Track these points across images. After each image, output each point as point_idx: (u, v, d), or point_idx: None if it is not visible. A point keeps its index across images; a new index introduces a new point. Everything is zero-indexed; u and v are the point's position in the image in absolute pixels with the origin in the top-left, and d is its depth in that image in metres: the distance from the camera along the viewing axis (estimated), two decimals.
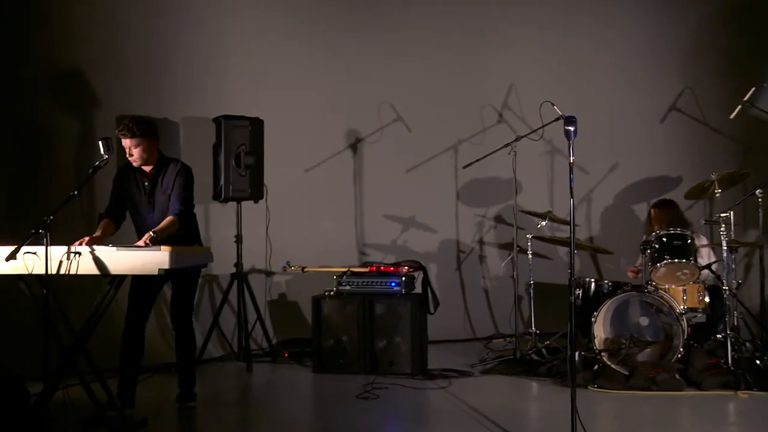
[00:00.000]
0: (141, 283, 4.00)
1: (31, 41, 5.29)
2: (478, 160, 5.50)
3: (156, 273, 3.51)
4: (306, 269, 5.41)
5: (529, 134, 5.37)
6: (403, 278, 5.14)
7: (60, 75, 5.43)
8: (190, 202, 4.18)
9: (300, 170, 6.24)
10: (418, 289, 5.32)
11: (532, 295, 5.51)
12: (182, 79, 5.81)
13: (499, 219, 6.66)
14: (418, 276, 5.35)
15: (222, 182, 5.50)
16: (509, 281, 5.82)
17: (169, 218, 4.05)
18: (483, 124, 6.57)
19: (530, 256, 5.53)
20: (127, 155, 4.08)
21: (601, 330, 4.75)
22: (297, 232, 5.97)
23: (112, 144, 3.92)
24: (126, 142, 4.07)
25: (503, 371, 5.06)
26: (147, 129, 4.12)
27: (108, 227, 4.15)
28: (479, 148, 6.07)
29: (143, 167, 4.14)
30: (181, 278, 3.98)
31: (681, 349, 4.55)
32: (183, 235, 4.10)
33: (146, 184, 4.14)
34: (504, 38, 6.61)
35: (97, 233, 4.05)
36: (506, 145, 5.37)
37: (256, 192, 5.60)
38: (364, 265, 5.46)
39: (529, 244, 5.50)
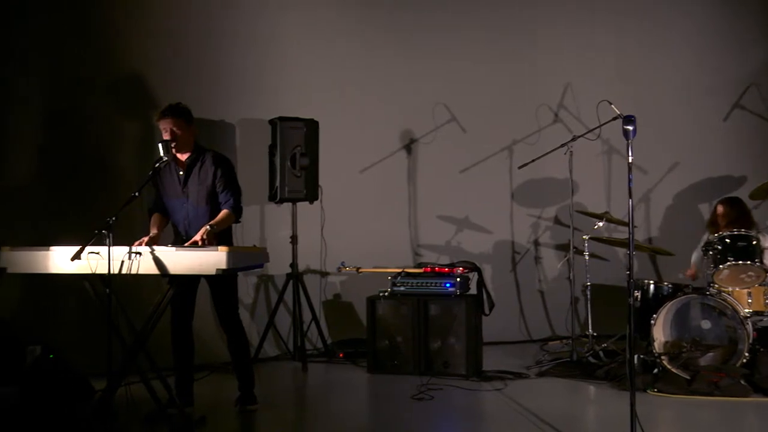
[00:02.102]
0: (179, 281, 3.97)
1: (90, 43, 5.41)
2: (533, 161, 5.43)
3: (213, 273, 3.52)
4: (360, 270, 5.40)
5: (585, 134, 5.27)
6: (458, 279, 5.08)
7: (119, 77, 5.54)
8: (240, 195, 4.13)
9: (354, 171, 6.24)
10: (473, 290, 5.26)
11: (588, 296, 5.38)
12: (238, 81, 5.87)
13: (554, 220, 6.55)
14: (473, 277, 5.29)
15: (277, 183, 5.53)
16: (565, 283, 5.73)
17: (224, 212, 4.01)
18: (538, 124, 6.46)
19: (587, 258, 5.41)
20: (167, 137, 4.00)
21: (660, 333, 4.61)
22: (351, 233, 5.97)
23: (171, 146, 3.96)
24: (166, 123, 4.00)
25: (559, 374, 4.97)
26: (187, 112, 4.08)
27: (160, 222, 4.15)
28: (534, 148, 5.98)
29: (178, 155, 4.08)
30: (215, 277, 3.74)
31: (746, 354, 4.40)
32: (219, 233, 3.98)
33: (181, 173, 4.09)
34: (559, 37, 6.52)
35: (153, 231, 4.06)
36: (562, 145, 5.29)
37: (311, 193, 5.62)
38: (419, 266, 5.42)
39: (585, 245, 5.38)
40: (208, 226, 3.85)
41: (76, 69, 5.37)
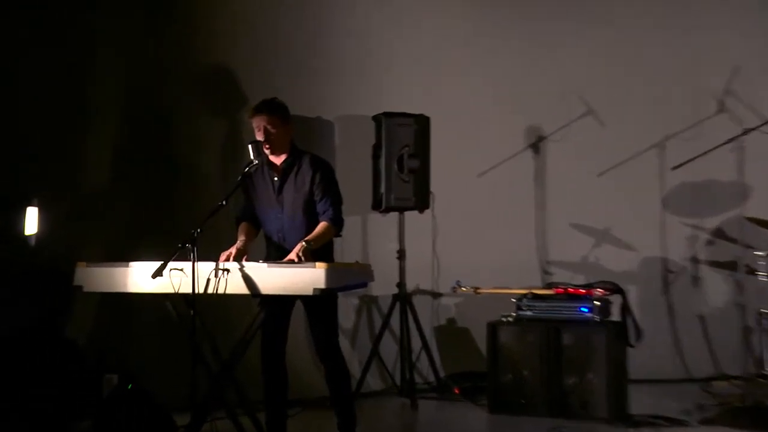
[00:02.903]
0: (271, 302, 3.94)
1: (171, 35, 5.57)
2: (691, 160, 5.31)
3: (310, 293, 3.50)
4: (479, 290, 5.34)
5: (760, 126, 5.07)
6: (597, 303, 4.97)
7: (201, 72, 5.68)
8: (341, 204, 4.13)
9: (471, 175, 6.15)
10: (616, 317, 5.13)
11: (765, 327, 5.07)
12: (336, 74, 5.91)
13: (718, 232, 6.20)
14: (615, 300, 5.16)
15: (383, 189, 5.53)
16: (734, 309, 5.55)
17: (323, 224, 4.01)
18: (697, 116, 6.14)
19: (762, 279, 5.08)
20: (261, 137, 4.04)
21: None
22: (469, 247, 5.91)
23: (264, 148, 3.97)
24: (260, 121, 4.02)
25: (729, 422, 4.71)
26: (283, 108, 4.11)
27: (249, 232, 4.19)
28: (692, 145, 5.71)
29: (272, 158, 4.10)
30: (312, 299, 3.68)
31: None
32: (317, 248, 3.99)
33: (275, 179, 4.11)
34: (723, 10, 6.18)
35: (241, 240, 4.09)
36: (730, 140, 5.09)
37: (422, 200, 5.58)
38: (549, 286, 5.35)
39: (760, 263, 5.07)
40: (303, 243, 3.82)
41: (155, 65, 5.53)
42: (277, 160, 4.12)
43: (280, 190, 4.10)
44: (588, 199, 6.15)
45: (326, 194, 4.05)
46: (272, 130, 4.02)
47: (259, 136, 4.04)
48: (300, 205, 4.07)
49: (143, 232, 5.28)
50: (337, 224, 4.04)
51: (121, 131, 5.52)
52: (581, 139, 6.17)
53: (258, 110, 4.06)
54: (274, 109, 4.05)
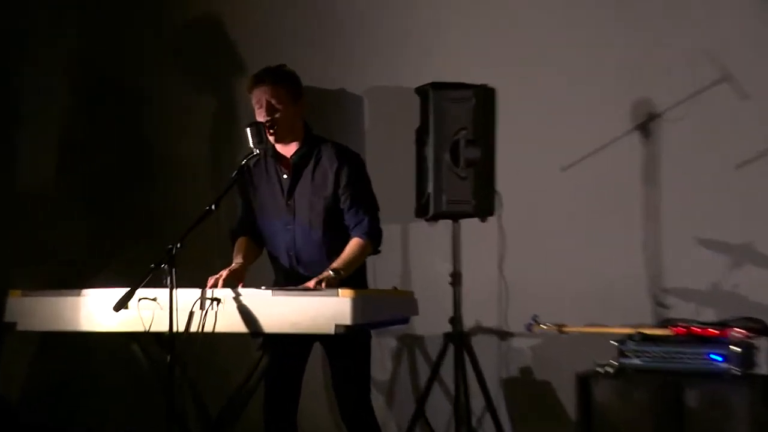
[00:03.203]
0: (277, 344, 3.91)
1: None
2: None
3: (332, 332, 3.49)
4: (565, 329, 5.32)
5: None
6: (735, 348, 4.91)
7: (186, 32, 5.87)
8: (377, 211, 4.18)
9: (553, 168, 6.05)
10: (763, 369, 5.05)
11: None
12: (366, 30, 6.02)
13: None
14: (762, 345, 5.11)
15: (430, 188, 5.54)
16: None
17: (355, 241, 4.04)
18: None
19: None
20: (262, 117, 4.07)
21: None
22: (550, 269, 5.88)
23: (265, 133, 3.96)
24: (263, 94, 4.06)
25: None
26: (293, 78, 4.14)
27: (249, 250, 4.23)
28: None
29: (279, 147, 4.14)
30: (334, 339, 3.66)
31: None
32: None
33: (284, 176, 4.15)
34: None
35: (237, 261, 4.13)
36: None
37: (484, 204, 5.57)
38: (664, 324, 5.30)
39: None
40: (330, 272, 3.85)
41: (116, 21, 5.60)
42: (287, 150, 4.14)
43: (290, 192, 4.12)
44: (721, 201, 5.99)
45: (357, 199, 4.07)
46: (278, 107, 4.04)
47: (261, 116, 4.04)
48: (319, 212, 4.10)
49: (101, 248, 5.32)
50: (374, 239, 4.09)
51: (70, 112, 5.58)
52: (712, 117, 6.02)
53: (259, 80, 4.09)
54: (280, 78, 4.08)
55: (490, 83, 5.62)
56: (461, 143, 5.50)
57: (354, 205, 4.08)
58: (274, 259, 4.26)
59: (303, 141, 4.16)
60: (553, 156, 6.05)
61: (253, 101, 4.10)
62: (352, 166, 4.14)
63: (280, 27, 5.82)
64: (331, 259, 4.03)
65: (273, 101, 4.04)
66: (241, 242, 4.25)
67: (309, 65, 5.74)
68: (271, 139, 4.06)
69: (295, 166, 4.15)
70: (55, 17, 5.59)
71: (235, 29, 5.79)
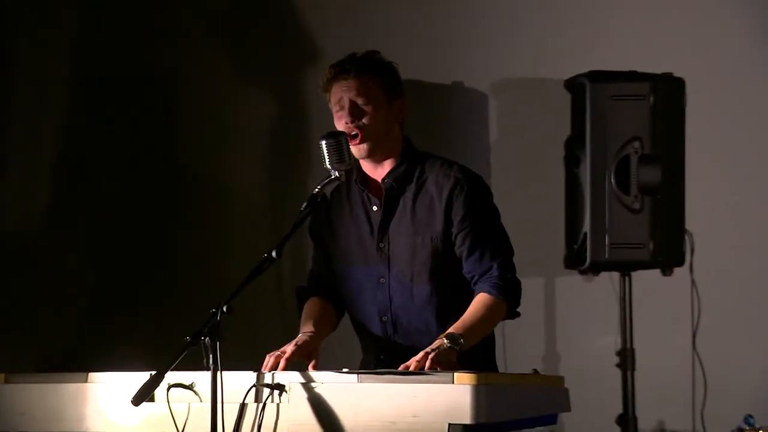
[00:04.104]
0: None
1: None
2: None
3: None
4: None
5: None
6: None
7: (233, 12, 5.93)
8: (512, 255, 4.08)
9: None
10: None
11: None
12: (493, 9, 6.07)
13: None
14: None
15: (587, 227, 5.55)
16: None
17: (483, 298, 3.94)
18: None
19: None
20: (343, 123, 4.04)
21: None
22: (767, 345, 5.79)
23: (347, 148, 3.94)
24: (346, 91, 4.03)
25: None
26: (394, 72, 4.11)
27: (324, 315, 4.18)
28: None
29: (368, 166, 4.12)
30: None
31: None
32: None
33: (374, 208, 4.14)
34: None
35: (307, 332, 4.06)
36: None
37: (668, 249, 5.56)
38: None
39: None
40: (445, 340, 3.77)
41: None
42: (377, 171, 4.10)
43: (383, 230, 4.09)
44: None
45: (482, 238, 3.99)
46: (366, 109, 4.01)
47: (341, 123, 4.02)
48: (425, 260, 4.05)
49: (115, 313, 5.36)
50: (510, 296, 3.99)
51: (71, 119, 5.68)
52: None
53: (340, 72, 4.04)
54: (371, 68, 4.03)
55: (677, 72, 5.60)
56: (633, 160, 5.49)
57: (477, 248, 3.98)
58: (360, 327, 4.18)
59: (401, 157, 4.16)
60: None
61: (332, 102, 4.04)
62: (473, 192, 4.03)
63: (371, 1, 5.85)
64: (444, 327, 3.97)
65: (360, 101, 3.99)
66: (312, 305, 4.18)
67: (411, 51, 5.78)
68: (356, 153, 4.00)
69: (390, 193, 4.11)
70: None
71: (308, 5, 5.84)
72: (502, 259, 4.00)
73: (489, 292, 3.96)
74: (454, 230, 4.02)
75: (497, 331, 4.30)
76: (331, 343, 4.20)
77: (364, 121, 4.00)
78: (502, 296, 3.96)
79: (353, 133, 3.97)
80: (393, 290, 4.07)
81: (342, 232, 4.16)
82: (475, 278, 4.00)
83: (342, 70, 4.05)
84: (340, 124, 4.01)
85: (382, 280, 4.08)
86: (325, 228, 4.19)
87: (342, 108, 4.02)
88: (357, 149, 4.00)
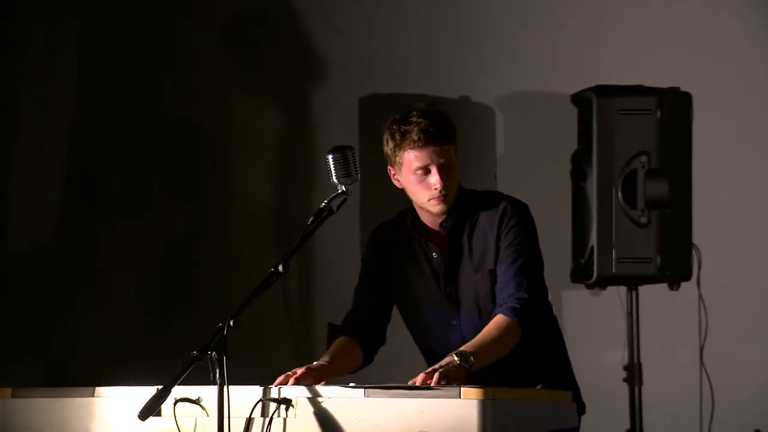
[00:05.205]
0: None
1: None
2: None
3: None
4: None
5: None
6: None
7: (247, 17, 5.92)
8: (540, 279, 4.11)
9: None
10: None
11: None
12: (500, 24, 6.08)
13: None
14: None
15: (593, 241, 5.57)
16: None
17: (499, 319, 3.94)
18: None
19: None
20: (429, 189, 4.05)
21: None
22: None
23: (356, 161, 3.93)
24: (435, 156, 4.05)
25: None
26: (454, 127, 4.13)
27: (349, 353, 4.16)
28: None
29: (426, 214, 4.13)
30: None
31: None
32: (521, 357, 4.00)
33: (435, 255, 4.16)
34: None
35: (324, 360, 4.06)
36: None
37: (675, 264, 5.56)
38: None
39: None
40: (455, 357, 3.75)
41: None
42: (434, 218, 4.15)
43: (450, 276, 4.14)
44: None
45: (519, 262, 4.03)
46: (450, 171, 4.05)
47: (425, 186, 4.04)
48: (487, 292, 4.10)
49: (123, 327, 5.36)
50: (528, 320, 3.96)
51: (78, 130, 5.69)
52: None
53: (431, 136, 4.04)
54: (451, 131, 4.08)
55: (683, 86, 5.60)
56: (640, 175, 5.50)
57: (509, 268, 4.01)
58: (431, 360, 4.19)
59: (455, 203, 4.18)
60: None
61: (412, 164, 4.07)
62: (519, 220, 4.09)
63: (378, 14, 5.85)
64: (513, 356, 4.01)
65: (445, 164, 4.05)
66: (339, 342, 4.12)
67: (418, 66, 5.88)
68: (439, 211, 4.06)
69: (451, 237, 4.18)
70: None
71: (314, 17, 5.85)
72: (535, 282, 4.03)
73: (505, 314, 3.97)
74: (501, 255, 4.07)
75: None
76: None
77: (450, 182, 4.05)
78: (519, 318, 3.97)
79: (443, 194, 4.03)
80: (465, 331, 4.12)
81: (404, 275, 4.19)
82: (502, 299, 4.02)
83: (431, 135, 4.04)
84: (424, 187, 4.03)
85: (453, 322, 4.14)
86: (385, 270, 4.20)
87: (427, 172, 4.04)
88: (441, 208, 4.05)
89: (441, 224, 4.10)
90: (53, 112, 5.88)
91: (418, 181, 4.03)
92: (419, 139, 4.01)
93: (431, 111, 4.08)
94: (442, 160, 4.01)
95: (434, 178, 4.00)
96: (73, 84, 5.93)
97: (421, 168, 4.02)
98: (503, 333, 3.95)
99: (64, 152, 5.89)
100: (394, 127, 4.04)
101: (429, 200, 4.00)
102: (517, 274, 4.03)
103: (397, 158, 4.05)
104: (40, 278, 5.63)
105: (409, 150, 4.03)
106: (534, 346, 4.07)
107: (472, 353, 3.80)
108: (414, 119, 4.02)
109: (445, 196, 4.02)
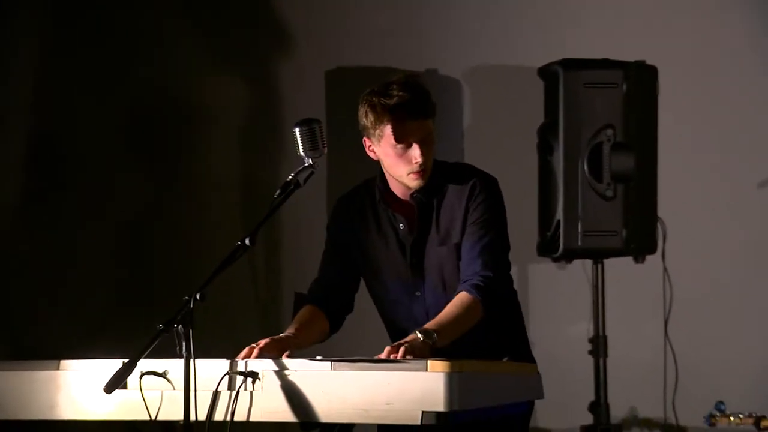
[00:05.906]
0: None
1: None
2: None
3: (418, 422, 3.39)
4: (765, 422, 5.19)
5: None
6: None
7: None
8: (504, 256, 4.12)
9: (745, 185, 6.05)
10: None
11: None
12: None
13: None
14: None
15: (560, 214, 5.57)
16: None
17: (463, 296, 3.95)
18: None
19: None
20: (411, 162, 4.03)
21: None
22: (737, 332, 5.85)
23: (323, 134, 3.93)
24: (419, 131, 4.03)
25: None
26: (434, 106, 4.14)
27: (314, 322, 4.17)
28: None
29: (398, 184, 4.12)
30: None
31: None
32: (485, 333, 4.01)
33: (401, 226, 4.15)
34: None
35: (290, 331, 4.08)
36: None
37: (640, 237, 5.57)
38: None
39: None
40: (419, 334, 3.76)
41: None
42: (399, 187, 4.15)
43: (416, 248, 4.14)
44: None
45: (482, 237, 4.03)
46: (429, 146, 4.05)
47: (406, 160, 4.04)
48: (453, 266, 4.10)
49: (89, 301, 5.35)
50: (489, 297, 3.96)
51: (36, 103, 5.67)
52: None
53: (413, 110, 4.03)
54: (430, 109, 4.06)
55: (649, 60, 5.60)
56: (606, 148, 5.50)
57: (473, 245, 4.02)
58: (394, 333, 4.17)
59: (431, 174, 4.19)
60: (745, 168, 6.04)
61: (393, 137, 4.02)
62: (487, 195, 4.06)
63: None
64: (480, 331, 4.08)
65: (425, 139, 4.03)
66: (304, 312, 4.10)
67: (385, 39, 5.86)
68: (417, 185, 4.06)
69: (422, 208, 4.19)
70: None
71: None
72: (497, 259, 4.03)
73: (469, 292, 3.98)
74: (467, 230, 4.06)
75: None
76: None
77: (428, 156, 4.05)
78: (481, 294, 3.98)
79: (422, 169, 4.03)
80: (429, 303, 4.13)
81: (371, 246, 4.18)
82: (465, 277, 4.03)
83: (414, 110, 4.04)
84: (404, 161, 4.02)
85: (417, 293, 4.13)
86: (350, 238, 4.20)
87: (408, 146, 4.03)
88: (419, 182, 4.05)
89: (412, 195, 4.09)
90: (15, 84, 5.87)
91: (397, 154, 4.01)
92: (402, 112, 4.00)
93: (412, 83, 4.06)
94: (423, 135, 4.01)
95: (415, 152, 3.99)
96: (33, 57, 5.91)
97: (402, 142, 4.03)
98: (466, 311, 3.96)
99: (26, 125, 5.87)
100: (374, 99, 4.00)
101: (408, 174, 3.99)
102: (483, 251, 4.03)
103: (377, 131, 4.02)
104: (3, 251, 5.62)
105: (389, 123, 4.01)
106: (498, 321, 4.09)
107: (435, 330, 3.81)
108: (395, 92, 3.99)
109: (423, 170, 4.01)
